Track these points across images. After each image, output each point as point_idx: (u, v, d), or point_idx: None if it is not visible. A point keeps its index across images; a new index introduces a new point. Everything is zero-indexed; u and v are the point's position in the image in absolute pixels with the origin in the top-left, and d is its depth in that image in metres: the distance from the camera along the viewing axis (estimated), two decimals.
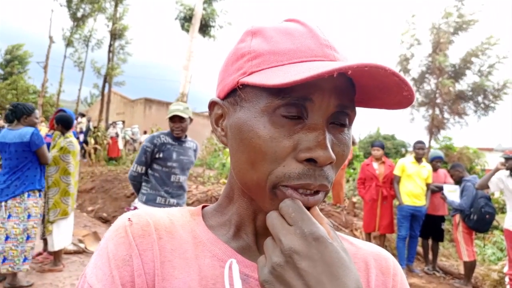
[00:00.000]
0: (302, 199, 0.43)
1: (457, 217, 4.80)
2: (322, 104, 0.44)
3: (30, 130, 3.48)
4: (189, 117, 3.06)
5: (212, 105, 0.53)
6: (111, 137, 13.83)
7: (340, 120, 0.46)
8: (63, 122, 3.98)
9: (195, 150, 3.22)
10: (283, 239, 0.40)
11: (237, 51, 0.50)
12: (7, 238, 3.42)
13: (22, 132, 3.46)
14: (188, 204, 6.57)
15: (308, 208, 0.44)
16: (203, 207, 0.59)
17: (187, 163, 3.12)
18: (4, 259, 3.43)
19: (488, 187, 4.38)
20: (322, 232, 0.40)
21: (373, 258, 0.57)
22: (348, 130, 0.48)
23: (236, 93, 0.48)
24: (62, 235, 4.03)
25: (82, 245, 4.90)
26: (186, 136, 3.16)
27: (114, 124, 14.97)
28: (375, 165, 5.36)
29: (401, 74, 0.42)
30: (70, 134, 4.08)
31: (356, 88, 0.48)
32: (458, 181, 5.04)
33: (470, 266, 4.70)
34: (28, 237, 3.52)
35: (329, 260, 0.38)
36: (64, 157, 3.96)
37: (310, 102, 0.43)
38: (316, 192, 0.45)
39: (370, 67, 0.38)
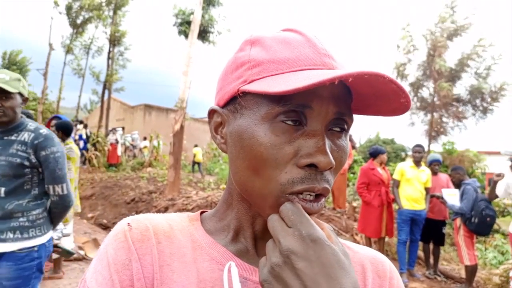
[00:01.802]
0: (307, 206, 0.44)
1: (458, 221, 4.79)
2: (321, 111, 0.45)
3: None
4: (20, 93, 1.94)
5: (212, 113, 0.54)
6: (111, 144, 13.84)
7: (338, 127, 0.47)
8: (63, 129, 3.98)
9: (25, 143, 1.91)
10: (282, 240, 0.41)
11: (236, 60, 0.51)
12: None
13: None
14: (188, 211, 6.56)
15: (310, 214, 0.45)
16: (202, 213, 0.59)
17: (2, 167, 1.87)
18: None
19: (497, 197, 4.43)
20: (320, 234, 0.40)
21: (369, 261, 0.57)
22: (345, 136, 0.49)
23: (236, 100, 0.49)
24: (62, 242, 4.02)
25: (82, 252, 4.88)
26: (22, 123, 1.97)
27: (113, 130, 14.99)
28: (379, 169, 5.33)
29: (398, 81, 0.43)
30: (70, 140, 4.08)
31: (353, 96, 0.49)
32: (458, 184, 5.03)
33: (471, 270, 4.68)
34: None
35: (326, 261, 0.39)
36: None
37: (309, 109, 0.44)
38: (319, 197, 0.46)
39: (370, 75, 0.39)
